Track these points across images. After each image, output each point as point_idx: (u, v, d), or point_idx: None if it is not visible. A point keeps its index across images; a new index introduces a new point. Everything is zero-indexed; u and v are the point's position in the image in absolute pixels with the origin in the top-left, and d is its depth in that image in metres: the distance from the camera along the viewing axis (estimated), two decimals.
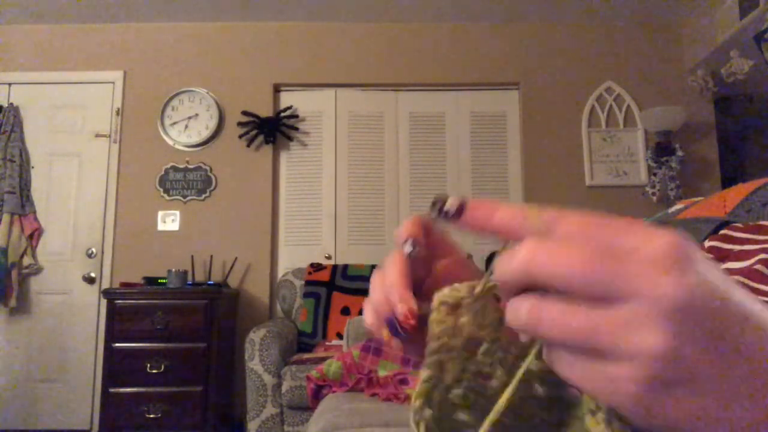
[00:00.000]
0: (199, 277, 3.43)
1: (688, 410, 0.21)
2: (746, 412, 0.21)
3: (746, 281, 0.45)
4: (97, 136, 3.64)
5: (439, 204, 0.29)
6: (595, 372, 0.22)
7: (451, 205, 0.29)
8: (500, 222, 0.26)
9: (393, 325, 0.33)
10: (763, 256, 0.47)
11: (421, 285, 0.36)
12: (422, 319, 0.32)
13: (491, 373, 0.28)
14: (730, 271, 0.48)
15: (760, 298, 0.43)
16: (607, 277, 0.21)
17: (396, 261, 0.34)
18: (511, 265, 0.23)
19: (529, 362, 0.27)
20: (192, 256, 3.43)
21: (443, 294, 0.30)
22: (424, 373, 0.29)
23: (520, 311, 0.23)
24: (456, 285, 0.30)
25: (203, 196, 3.58)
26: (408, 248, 0.34)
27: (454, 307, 0.30)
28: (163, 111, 3.63)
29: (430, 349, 0.30)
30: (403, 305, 0.32)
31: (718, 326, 0.21)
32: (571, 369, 0.23)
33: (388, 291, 0.34)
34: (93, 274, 3.50)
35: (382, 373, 2.13)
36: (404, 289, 0.33)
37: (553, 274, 0.22)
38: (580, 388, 0.23)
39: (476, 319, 0.29)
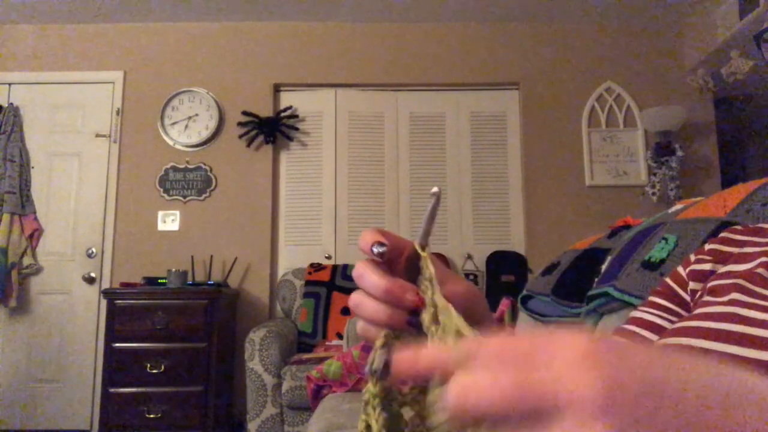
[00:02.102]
0: (199, 277, 3.43)
1: None
2: None
3: (748, 284, 0.45)
4: (97, 136, 3.64)
5: (368, 365, 0.34)
6: None
7: (377, 364, 0.33)
8: (427, 365, 0.27)
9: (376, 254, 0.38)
10: (764, 259, 0.47)
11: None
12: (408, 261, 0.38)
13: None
14: (731, 274, 0.48)
15: (759, 302, 0.43)
16: (531, 400, 0.22)
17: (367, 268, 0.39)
18: (447, 406, 0.24)
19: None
20: (192, 256, 3.43)
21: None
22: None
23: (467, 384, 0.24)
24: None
25: (203, 196, 3.58)
26: (376, 249, 0.38)
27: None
28: (163, 111, 3.63)
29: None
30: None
31: (648, 403, 0.21)
32: None
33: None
34: (93, 274, 3.50)
35: None
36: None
37: (484, 411, 0.23)
38: None
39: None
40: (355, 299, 0.39)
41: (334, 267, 3.31)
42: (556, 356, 0.22)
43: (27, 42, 3.71)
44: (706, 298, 0.48)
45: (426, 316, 0.34)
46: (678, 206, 1.14)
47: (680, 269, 0.55)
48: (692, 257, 0.55)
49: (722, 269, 0.50)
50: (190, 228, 3.55)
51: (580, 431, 0.21)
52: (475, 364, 0.24)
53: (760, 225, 0.54)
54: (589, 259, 1.34)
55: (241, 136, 3.61)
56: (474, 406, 0.23)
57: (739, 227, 0.56)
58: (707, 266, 0.52)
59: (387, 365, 0.32)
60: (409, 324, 0.37)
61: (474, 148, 3.73)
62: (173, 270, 3.07)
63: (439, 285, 0.35)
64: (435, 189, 0.38)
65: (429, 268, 0.37)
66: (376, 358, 0.33)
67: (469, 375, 0.24)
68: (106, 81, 3.69)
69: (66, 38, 3.72)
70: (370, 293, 0.38)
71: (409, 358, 0.28)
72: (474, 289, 0.42)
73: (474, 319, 0.37)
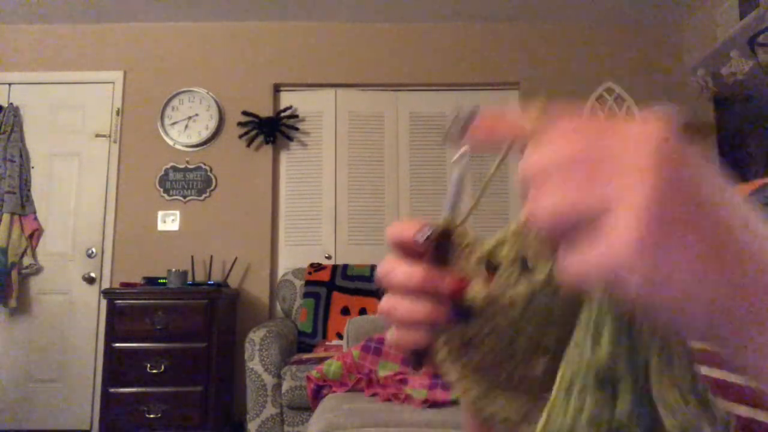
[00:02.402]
0: (199, 277, 3.43)
1: (682, 263, 0.22)
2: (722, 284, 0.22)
3: None
4: (97, 136, 3.64)
5: (456, 116, 0.33)
6: (592, 245, 0.23)
7: (465, 112, 0.32)
8: (505, 129, 0.29)
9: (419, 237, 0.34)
10: None
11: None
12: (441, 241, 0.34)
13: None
14: None
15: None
16: (589, 197, 0.23)
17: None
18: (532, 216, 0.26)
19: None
20: (192, 256, 3.43)
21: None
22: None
23: (534, 207, 0.26)
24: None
25: (203, 196, 3.58)
26: (422, 235, 0.34)
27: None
28: (163, 111, 3.63)
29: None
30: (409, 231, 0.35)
31: (687, 221, 0.22)
32: (569, 255, 0.24)
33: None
34: (93, 274, 3.50)
35: (382, 373, 2.13)
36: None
37: (549, 221, 0.24)
38: (579, 275, 0.24)
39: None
40: (387, 303, 0.34)
41: (334, 267, 3.31)
42: (625, 148, 0.23)
43: (27, 42, 3.71)
44: None
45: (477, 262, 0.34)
46: None
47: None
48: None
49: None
50: (190, 228, 3.55)
51: (618, 232, 0.22)
52: (550, 138, 0.26)
53: None
54: None
55: (241, 136, 3.61)
56: (537, 216, 0.25)
57: None
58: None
59: (473, 115, 0.31)
60: (455, 314, 0.33)
61: (474, 148, 3.72)
62: (173, 270, 3.07)
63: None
64: (465, 147, 0.35)
65: (468, 236, 0.35)
66: (462, 110, 0.33)
67: (533, 197, 0.26)
68: (106, 81, 3.69)
69: (66, 38, 3.72)
70: (404, 288, 0.33)
71: (489, 117, 0.29)
72: None
73: None
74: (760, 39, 2.81)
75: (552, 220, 0.24)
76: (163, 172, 3.59)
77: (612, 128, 0.24)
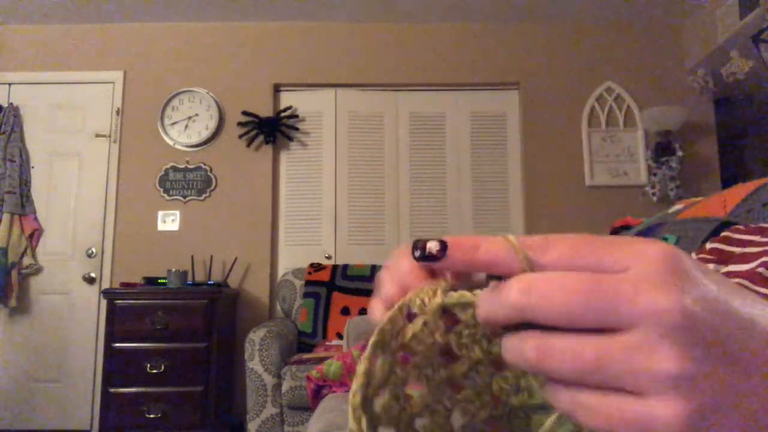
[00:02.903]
0: (199, 277, 3.43)
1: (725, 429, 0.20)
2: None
3: (749, 284, 0.45)
4: (97, 136, 3.64)
5: (420, 246, 0.28)
6: (623, 409, 0.20)
7: (432, 246, 0.27)
8: (485, 258, 0.25)
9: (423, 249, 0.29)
10: (765, 258, 0.47)
11: None
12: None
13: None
14: (733, 274, 0.48)
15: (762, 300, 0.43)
16: (606, 306, 0.20)
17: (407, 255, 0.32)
18: (504, 301, 0.22)
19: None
20: (192, 256, 3.43)
21: (408, 298, 0.28)
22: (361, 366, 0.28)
23: (524, 349, 0.22)
24: (424, 288, 0.28)
25: (203, 196, 3.58)
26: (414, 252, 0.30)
27: (410, 315, 0.28)
28: (163, 111, 3.63)
29: (371, 342, 0.28)
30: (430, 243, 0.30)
31: (724, 337, 0.20)
32: (590, 410, 0.21)
33: (401, 277, 0.31)
34: (93, 274, 3.49)
35: None
36: (421, 271, 0.30)
37: (550, 310, 0.21)
38: (603, 429, 0.21)
39: (422, 332, 0.28)
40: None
41: (334, 267, 3.31)
42: (632, 264, 0.21)
43: (27, 42, 3.71)
44: None
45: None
46: (678, 206, 1.13)
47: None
48: (694, 256, 0.55)
49: (724, 269, 0.50)
50: (190, 228, 3.55)
51: (649, 348, 0.20)
52: (538, 266, 0.23)
53: (762, 225, 0.54)
54: None
55: (241, 136, 3.61)
56: (536, 304, 0.21)
57: (740, 227, 0.55)
58: (709, 266, 0.52)
59: (443, 248, 0.27)
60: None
61: (474, 148, 3.73)
62: (173, 270, 3.07)
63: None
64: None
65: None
66: (431, 241, 0.27)
67: (533, 276, 0.22)
68: (106, 81, 3.69)
69: (66, 38, 3.72)
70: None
71: (468, 242, 0.25)
72: None
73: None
74: (765, 36, 2.81)
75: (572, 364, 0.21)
76: (163, 172, 3.59)
77: (614, 246, 0.22)
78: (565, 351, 0.21)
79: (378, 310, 0.31)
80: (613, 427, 0.21)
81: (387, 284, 0.31)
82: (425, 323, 0.28)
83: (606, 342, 0.21)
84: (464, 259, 0.25)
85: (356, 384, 0.27)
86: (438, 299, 0.27)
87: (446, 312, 0.28)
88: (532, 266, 0.23)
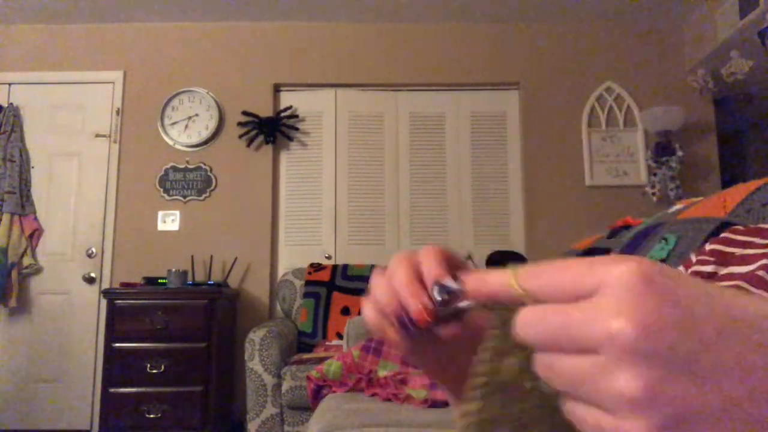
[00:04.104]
0: (199, 277, 3.43)
1: None
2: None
3: (748, 287, 0.45)
4: (97, 136, 3.64)
5: (439, 286, 0.31)
6: (601, 423, 0.22)
7: (453, 283, 0.31)
8: (492, 289, 0.28)
9: (404, 322, 0.33)
10: (765, 261, 0.47)
11: None
12: (436, 317, 0.32)
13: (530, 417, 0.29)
14: (733, 276, 0.48)
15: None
16: (575, 334, 0.22)
17: (404, 263, 0.34)
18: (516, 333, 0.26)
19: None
20: (192, 256, 3.43)
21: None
22: (470, 406, 0.29)
23: (538, 363, 0.25)
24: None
25: (203, 196, 3.58)
26: (437, 295, 0.32)
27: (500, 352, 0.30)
28: (163, 111, 3.63)
29: (474, 383, 0.30)
30: (416, 301, 0.33)
31: (688, 350, 0.20)
32: (582, 422, 0.23)
33: (397, 289, 0.34)
34: (93, 274, 3.50)
35: (382, 373, 2.13)
36: (417, 286, 0.33)
37: (535, 340, 0.24)
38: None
39: (522, 363, 0.29)
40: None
41: (334, 267, 3.31)
42: (600, 287, 0.22)
43: (27, 42, 3.71)
44: None
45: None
46: (678, 206, 1.14)
47: (681, 270, 0.55)
48: (693, 258, 0.55)
49: (723, 271, 0.50)
50: (190, 228, 3.55)
51: (608, 372, 0.21)
52: (532, 289, 0.25)
53: (762, 225, 0.54)
54: None
55: (241, 136, 3.61)
56: (527, 335, 0.25)
57: (740, 227, 0.55)
58: (709, 268, 0.52)
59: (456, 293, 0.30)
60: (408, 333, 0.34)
61: (474, 148, 3.73)
62: (173, 270, 3.07)
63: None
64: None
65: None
66: (447, 280, 0.31)
67: (522, 312, 0.25)
68: (106, 81, 3.69)
69: (66, 38, 3.72)
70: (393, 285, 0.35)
71: (477, 276, 0.29)
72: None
73: None
74: None
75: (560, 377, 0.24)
76: (163, 172, 3.59)
77: (588, 271, 0.23)
78: (561, 368, 0.24)
79: (370, 313, 0.35)
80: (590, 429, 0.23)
81: (381, 289, 0.33)
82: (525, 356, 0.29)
83: (580, 362, 0.23)
84: (480, 290, 0.29)
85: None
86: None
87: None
88: (528, 294, 0.26)
